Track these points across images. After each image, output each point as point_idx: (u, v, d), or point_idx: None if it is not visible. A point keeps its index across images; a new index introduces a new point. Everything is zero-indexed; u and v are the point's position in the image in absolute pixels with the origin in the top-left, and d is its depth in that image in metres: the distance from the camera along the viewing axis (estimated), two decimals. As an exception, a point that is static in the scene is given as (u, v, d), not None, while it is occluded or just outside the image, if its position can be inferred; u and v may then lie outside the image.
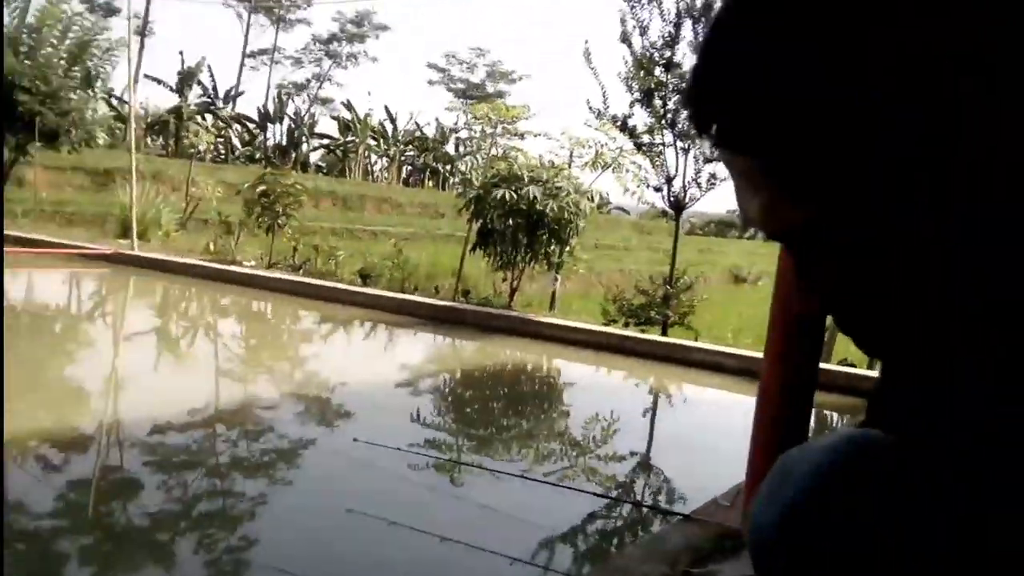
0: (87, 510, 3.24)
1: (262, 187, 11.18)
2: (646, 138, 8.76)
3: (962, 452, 0.54)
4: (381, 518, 3.08)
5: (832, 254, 0.46)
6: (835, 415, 5.57)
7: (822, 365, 5.84)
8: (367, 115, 38.50)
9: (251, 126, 39.17)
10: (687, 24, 8.35)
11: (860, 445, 0.62)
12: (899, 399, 0.66)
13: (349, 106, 38.85)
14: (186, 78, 34.29)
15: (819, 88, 0.42)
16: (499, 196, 8.73)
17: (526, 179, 8.91)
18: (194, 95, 35.12)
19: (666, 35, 8.42)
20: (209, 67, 36.06)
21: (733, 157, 0.46)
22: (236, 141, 38.17)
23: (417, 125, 41.70)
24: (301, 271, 10.73)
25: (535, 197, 8.69)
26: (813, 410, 3.03)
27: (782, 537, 0.62)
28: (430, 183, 41.28)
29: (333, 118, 42.12)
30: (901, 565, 0.55)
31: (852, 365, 6.20)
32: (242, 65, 43.10)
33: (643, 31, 8.50)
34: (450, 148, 42.49)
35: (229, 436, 4.32)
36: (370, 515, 3.11)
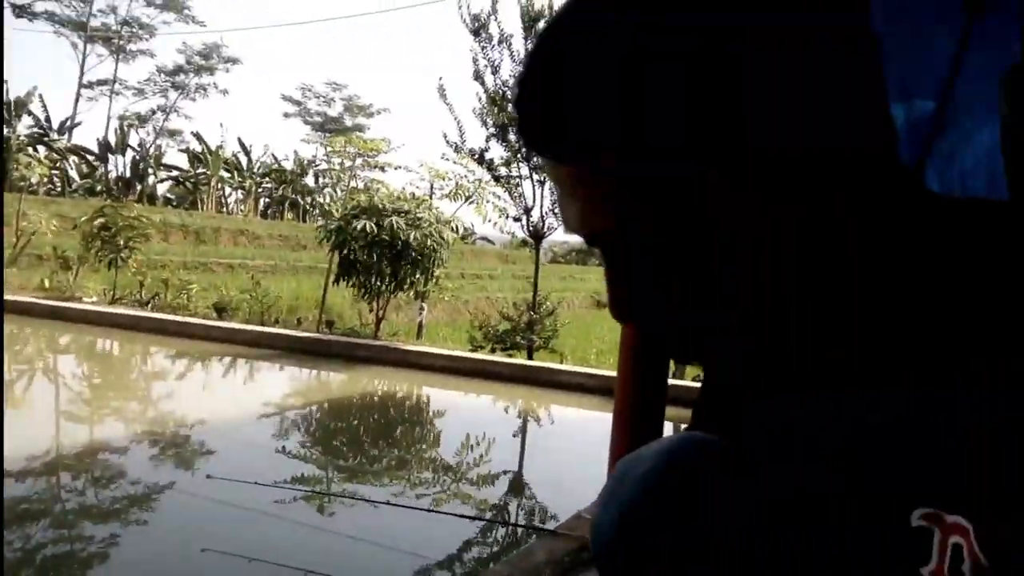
0: None
1: (101, 220, 10.51)
2: (503, 170, 8.99)
3: (766, 449, 0.58)
4: (239, 555, 2.92)
5: (637, 258, 0.48)
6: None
7: (680, 382, 6.14)
8: (219, 147, 37.10)
9: (91, 158, 36.73)
10: (535, 64, 8.67)
11: (688, 447, 0.65)
12: (715, 403, 0.71)
13: (199, 138, 37.29)
14: (15, 108, 31.74)
15: (629, 101, 0.43)
16: (360, 227, 8.64)
17: (388, 210, 8.88)
18: (24, 125, 32.58)
19: (516, 73, 8.69)
20: (41, 96, 33.64)
21: (554, 166, 0.48)
22: (74, 173, 35.63)
23: (274, 157, 40.62)
24: (149, 306, 10.11)
25: (397, 227, 8.67)
26: (670, 424, 3.18)
27: (620, 536, 0.64)
28: (290, 215, 40.15)
29: (182, 150, 40.30)
30: (730, 557, 0.58)
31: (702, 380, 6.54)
32: (78, 95, 40.43)
33: (495, 70, 8.77)
34: (310, 180, 41.61)
35: (74, 483, 3.98)
36: (227, 553, 2.95)
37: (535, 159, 8.67)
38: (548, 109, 0.46)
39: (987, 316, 0.44)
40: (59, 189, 32.46)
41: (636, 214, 0.45)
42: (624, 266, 0.49)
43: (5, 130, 30.90)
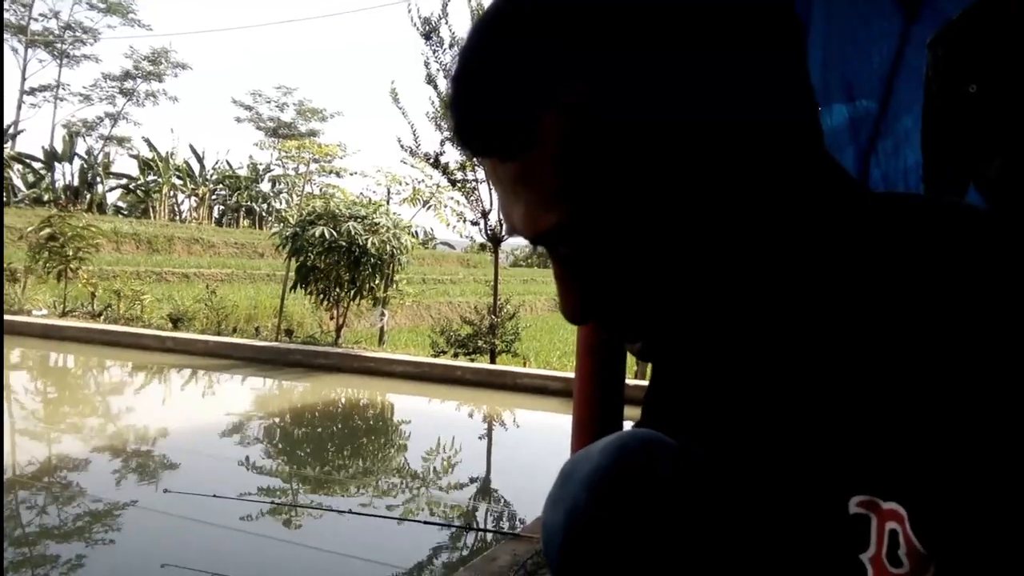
0: None
1: (48, 230, 10.22)
2: (459, 174, 8.97)
3: (708, 444, 0.59)
4: (201, 570, 2.87)
5: (588, 255, 0.48)
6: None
7: (642, 382, 6.19)
8: (170, 153, 36.34)
9: (36, 166, 35.67)
10: (487, 68, 8.70)
11: (633, 444, 0.66)
12: (660, 399, 0.72)
13: (150, 144, 36.49)
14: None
15: (572, 93, 0.43)
16: (317, 233, 8.56)
17: (345, 215, 8.80)
18: (-37, 133, 31.41)
19: (449, 74, 8.69)
20: (-19, 102, 32.48)
21: (498, 165, 0.47)
22: (19, 182, 34.57)
23: (228, 164, 39.94)
24: (101, 318, 9.86)
25: (355, 233, 8.60)
26: (629, 424, 3.22)
27: (569, 541, 0.64)
28: (246, 222, 39.52)
29: (133, 156, 39.37)
30: (677, 553, 0.59)
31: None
32: (20, 101, 39.22)
33: (447, 73, 8.75)
34: (265, 187, 41.00)
35: (32, 499, 3.86)
36: (188, 568, 2.90)
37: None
38: (481, 106, 0.46)
39: (929, 298, 0.44)
40: (3, 198, 31.47)
41: (587, 209, 0.45)
42: (574, 265, 0.49)
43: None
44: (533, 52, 0.44)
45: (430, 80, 8.76)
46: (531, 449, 5.66)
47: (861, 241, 0.48)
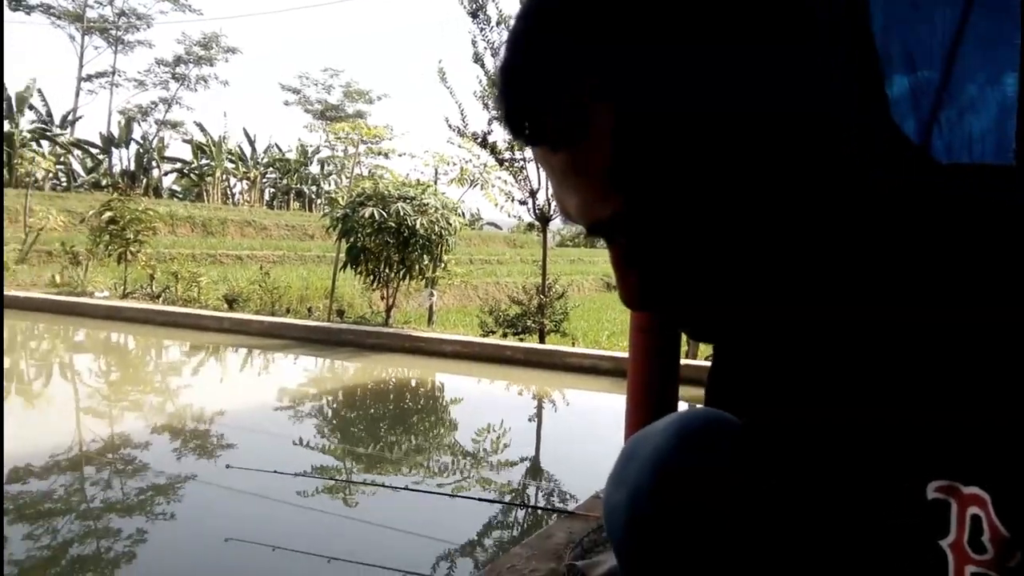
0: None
1: (109, 214, 10.53)
2: (507, 154, 8.94)
3: (777, 426, 0.58)
4: (264, 544, 2.95)
5: (648, 243, 0.48)
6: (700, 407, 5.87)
7: (692, 362, 6.14)
8: (223, 137, 37.05)
9: (94, 151, 36.75)
10: (535, 46, 8.63)
11: (696, 423, 0.66)
12: (726, 381, 0.71)
13: (202, 128, 37.26)
14: (16, 103, 31.69)
15: (629, 89, 0.43)
16: (367, 215, 8.64)
17: (394, 196, 8.87)
18: (26, 120, 32.52)
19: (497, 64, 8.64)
20: (40, 91, 33.54)
21: (549, 155, 0.47)
22: (78, 167, 35.69)
23: (278, 147, 40.56)
24: (160, 299, 10.15)
25: (404, 214, 8.67)
26: (684, 404, 3.19)
27: (631, 518, 0.65)
28: (296, 204, 40.18)
29: (186, 141, 40.26)
30: (742, 536, 0.59)
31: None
32: (79, 88, 40.37)
33: (494, 52, 8.71)
34: (314, 169, 41.56)
35: (96, 476, 4.02)
36: (251, 542, 2.98)
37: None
38: (529, 97, 0.46)
39: (993, 284, 0.44)
40: (64, 184, 32.53)
41: (640, 199, 0.45)
42: (634, 253, 0.49)
43: (7, 126, 30.99)
44: (581, 44, 0.44)
45: (477, 59, 8.73)
46: (582, 429, 5.67)
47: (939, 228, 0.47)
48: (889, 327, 0.48)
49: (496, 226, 34.28)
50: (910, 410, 0.46)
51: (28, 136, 30.90)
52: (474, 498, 3.73)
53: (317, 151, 41.29)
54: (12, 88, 31.94)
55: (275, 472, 3.46)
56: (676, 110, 0.43)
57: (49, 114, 34.43)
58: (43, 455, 4.14)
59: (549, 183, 0.51)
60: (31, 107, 33.10)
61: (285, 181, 40.16)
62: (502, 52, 0.48)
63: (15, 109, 31.67)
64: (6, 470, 3.82)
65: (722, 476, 0.63)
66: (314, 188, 40.75)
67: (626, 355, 6.74)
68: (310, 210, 36.88)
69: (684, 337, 4.98)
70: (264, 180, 40.11)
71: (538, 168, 8.87)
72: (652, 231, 0.47)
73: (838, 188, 0.47)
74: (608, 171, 0.45)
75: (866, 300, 0.48)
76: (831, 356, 0.52)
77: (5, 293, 9.75)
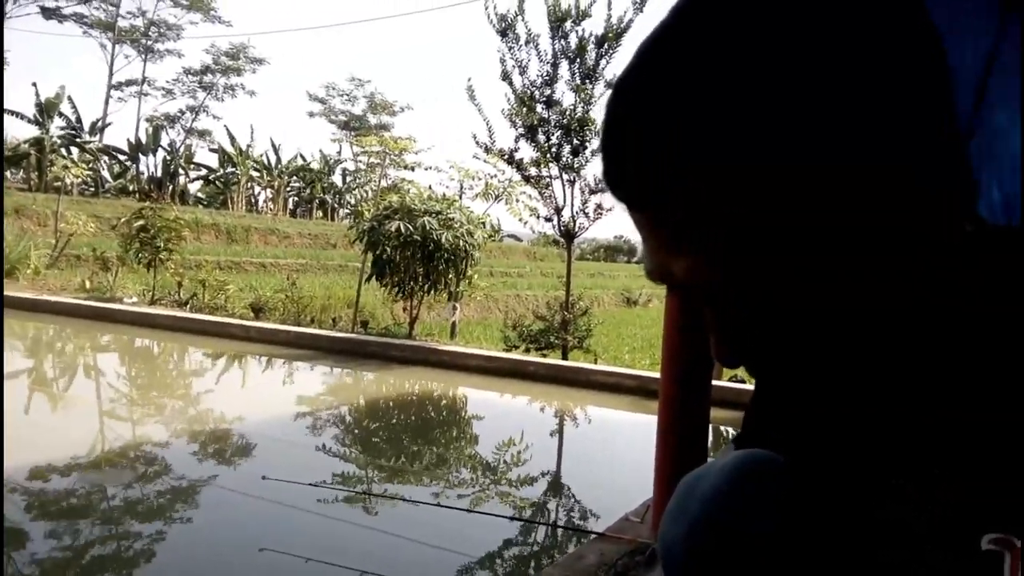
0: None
1: (141, 222, 10.70)
2: (533, 171, 9.00)
3: (830, 467, 0.59)
4: (297, 555, 3.00)
5: (744, 311, 0.50)
6: (731, 429, 5.86)
7: (716, 383, 6.13)
8: (249, 146, 37.49)
9: (122, 158, 37.30)
10: (564, 65, 8.72)
11: (752, 467, 0.68)
12: (769, 413, 0.73)
13: (230, 135, 37.71)
14: (47, 109, 32.23)
15: (716, 157, 0.45)
16: (393, 228, 8.73)
17: (420, 210, 8.95)
18: (56, 126, 33.08)
19: (544, 74, 8.74)
20: (70, 98, 34.12)
21: (633, 213, 0.50)
22: (106, 173, 36.23)
23: (302, 156, 40.94)
24: (188, 306, 10.29)
25: (430, 228, 8.74)
26: (712, 427, 3.21)
27: (689, 552, 0.67)
28: (319, 214, 40.48)
29: (212, 150, 40.76)
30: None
31: (742, 381, 6.55)
32: (108, 96, 41.01)
33: (522, 70, 8.80)
34: (336, 179, 41.88)
35: (131, 484, 4.09)
36: (285, 553, 3.03)
37: (565, 160, 8.71)
38: (623, 163, 0.48)
39: None
40: (92, 190, 33.00)
41: (712, 262, 0.47)
42: (731, 321, 0.51)
43: (39, 131, 31.52)
44: (677, 121, 0.45)
45: (505, 76, 8.82)
46: (606, 448, 5.68)
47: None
48: (949, 375, 0.50)
49: (516, 238, 34.34)
50: (969, 463, 0.48)
51: (58, 142, 31.42)
52: (505, 516, 3.75)
53: (339, 161, 41.64)
54: (43, 94, 32.52)
55: (311, 485, 3.51)
56: (750, 164, 0.44)
57: (79, 120, 34.99)
58: (78, 462, 4.23)
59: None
60: (61, 114, 33.64)
61: (309, 191, 40.51)
62: (608, 107, 0.50)
63: (46, 115, 32.21)
64: (44, 476, 3.91)
65: (775, 518, 0.66)
66: (336, 198, 41.09)
67: (648, 373, 6.73)
68: (332, 220, 37.17)
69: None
70: (288, 189, 40.48)
71: (563, 186, 8.94)
72: (724, 292, 0.49)
73: (937, 248, 0.47)
74: (682, 232, 0.47)
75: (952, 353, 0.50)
76: (886, 399, 0.54)
77: (36, 297, 9.93)
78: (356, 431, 5.82)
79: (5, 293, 9.85)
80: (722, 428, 5.73)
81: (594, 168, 8.57)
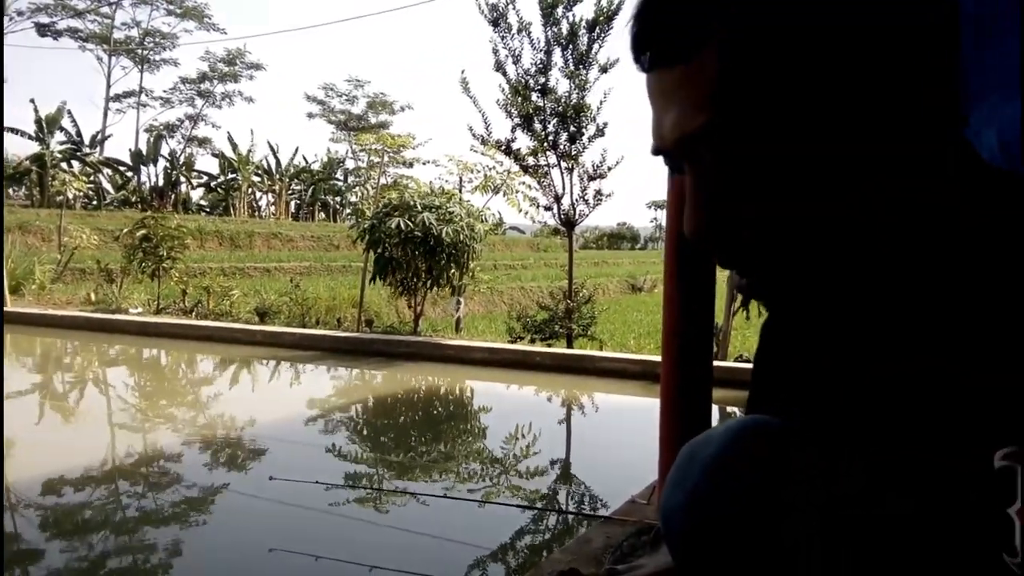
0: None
1: (143, 231, 10.73)
2: (531, 160, 8.97)
3: (834, 418, 0.58)
4: (306, 554, 3.01)
5: (728, 160, 0.50)
6: (737, 410, 5.86)
7: (721, 363, 6.13)
8: (249, 151, 37.52)
9: (123, 169, 37.40)
10: (556, 52, 8.68)
11: (753, 432, 0.68)
12: (770, 380, 0.72)
13: (231, 142, 37.76)
14: (47, 125, 32.32)
15: (736, 22, 0.47)
16: (394, 225, 8.72)
17: (419, 207, 8.94)
18: (56, 141, 33.18)
19: (538, 62, 8.70)
20: (70, 112, 34.20)
21: (660, 76, 0.51)
22: (108, 185, 36.34)
23: (304, 159, 40.96)
24: (193, 314, 10.32)
25: (430, 224, 8.73)
26: (715, 404, 3.20)
27: (689, 518, 0.68)
28: (321, 215, 40.55)
29: (214, 155, 40.84)
30: (799, 537, 0.59)
31: (747, 361, 6.54)
32: (107, 108, 41.12)
33: (516, 59, 8.75)
34: (338, 180, 41.91)
35: (140, 489, 4.12)
36: (294, 552, 3.04)
37: (562, 148, 8.68)
38: (661, 20, 0.50)
39: None
40: (95, 202, 33.12)
41: (735, 113, 0.48)
42: (709, 174, 0.51)
43: (39, 147, 31.62)
44: None
45: (499, 67, 8.77)
46: (614, 433, 5.68)
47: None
48: (953, 298, 0.49)
49: (519, 230, 34.32)
50: (975, 376, 0.47)
51: (59, 157, 31.51)
52: (512, 504, 3.76)
53: (341, 162, 41.66)
54: (42, 110, 32.59)
55: (317, 483, 3.52)
56: (782, 25, 0.46)
57: (79, 134, 35.10)
58: (88, 468, 4.25)
59: (652, 110, 0.54)
60: (61, 128, 33.73)
61: (310, 193, 40.55)
62: None
63: (46, 131, 32.31)
64: (53, 485, 3.93)
65: (776, 479, 0.65)
66: (338, 199, 41.12)
67: (653, 358, 6.71)
68: (335, 220, 37.21)
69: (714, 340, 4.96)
70: (290, 192, 40.53)
71: (562, 174, 8.91)
72: (733, 147, 0.49)
73: (949, 139, 0.47)
74: (709, 85, 0.48)
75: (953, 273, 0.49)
76: (890, 324, 0.52)
77: (42, 312, 9.98)
78: (365, 428, 5.84)
79: (12, 309, 9.90)
80: (728, 408, 5.73)
81: (591, 155, 8.52)
